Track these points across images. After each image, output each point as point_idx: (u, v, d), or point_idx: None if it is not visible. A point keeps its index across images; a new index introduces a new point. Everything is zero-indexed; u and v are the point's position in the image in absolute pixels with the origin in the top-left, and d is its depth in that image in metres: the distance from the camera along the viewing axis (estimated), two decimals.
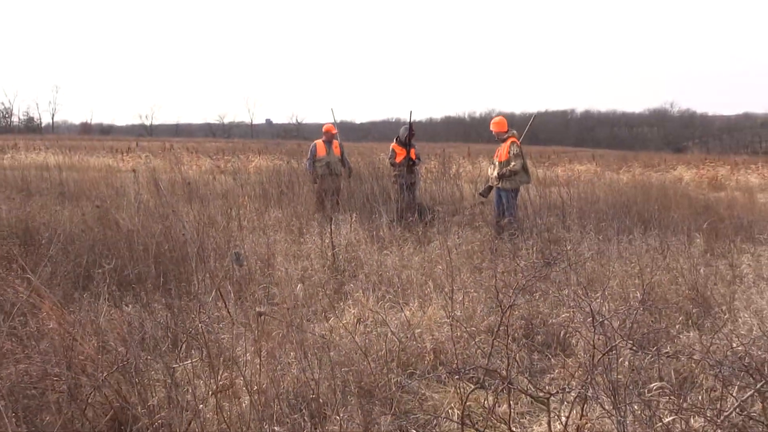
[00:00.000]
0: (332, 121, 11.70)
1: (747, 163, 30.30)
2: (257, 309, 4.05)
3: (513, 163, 9.49)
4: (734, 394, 3.32)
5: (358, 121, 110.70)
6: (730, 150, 65.80)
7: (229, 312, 5.15)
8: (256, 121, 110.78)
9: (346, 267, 7.21)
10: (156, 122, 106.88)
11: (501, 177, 9.55)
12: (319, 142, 11.44)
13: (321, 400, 3.88)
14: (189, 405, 3.63)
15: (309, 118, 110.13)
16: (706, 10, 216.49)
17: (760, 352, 4.20)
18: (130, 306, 5.66)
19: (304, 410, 3.90)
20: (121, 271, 6.17)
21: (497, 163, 9.66)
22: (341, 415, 3.72)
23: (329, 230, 7.74)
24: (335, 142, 11.42)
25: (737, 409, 3.08)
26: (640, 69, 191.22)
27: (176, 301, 5.43)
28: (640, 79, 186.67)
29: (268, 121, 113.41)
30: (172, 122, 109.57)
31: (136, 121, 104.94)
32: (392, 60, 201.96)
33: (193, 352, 4.53)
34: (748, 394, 2.76)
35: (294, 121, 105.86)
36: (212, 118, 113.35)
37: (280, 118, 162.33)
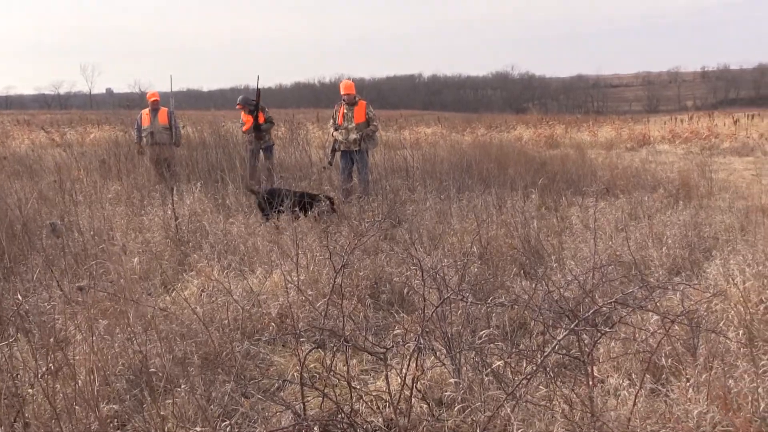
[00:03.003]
0: (170, 89, 11.34)
1: (580, 122, 32.22)
2: (77, 284, 3.85)
3: (375, 123, 9.76)
4: (557, 337, 3.56)
5: (205, 89, 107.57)
6: (565, 110, 69.95)
7: (62, 289, 4.89)
8: (95, 91, 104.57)
9: (191, 238, 7.03)
10: None
11: (364, 138, 9.59)
12: (145, 112, 11.10)
13: (160, 374, 3.78)
14: (17, 391, 3.43)
15: (154, 86, 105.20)
16: None
17: (578, 294, 4.52)
18: None
19: (144, 386, 3.80)
20: None
21: (354, 126, 9.59)
22: (183, 386, 3.65)
23: (171, 201, 7.49)
24: (163, 111, 11.05)
25: (559, 349, 3.30)
26: (483, 34, 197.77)
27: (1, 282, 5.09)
28: (483, 43, 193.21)
29: (109, 91, 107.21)
30: (0, 94, 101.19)
31: None
32: (239, 26, 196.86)
33: (19, 335, 4.26)
34: (564, 334, 2.97)
35: (137, 90, 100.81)
36: (47, 89, 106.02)
37: (122, 87, 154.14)
